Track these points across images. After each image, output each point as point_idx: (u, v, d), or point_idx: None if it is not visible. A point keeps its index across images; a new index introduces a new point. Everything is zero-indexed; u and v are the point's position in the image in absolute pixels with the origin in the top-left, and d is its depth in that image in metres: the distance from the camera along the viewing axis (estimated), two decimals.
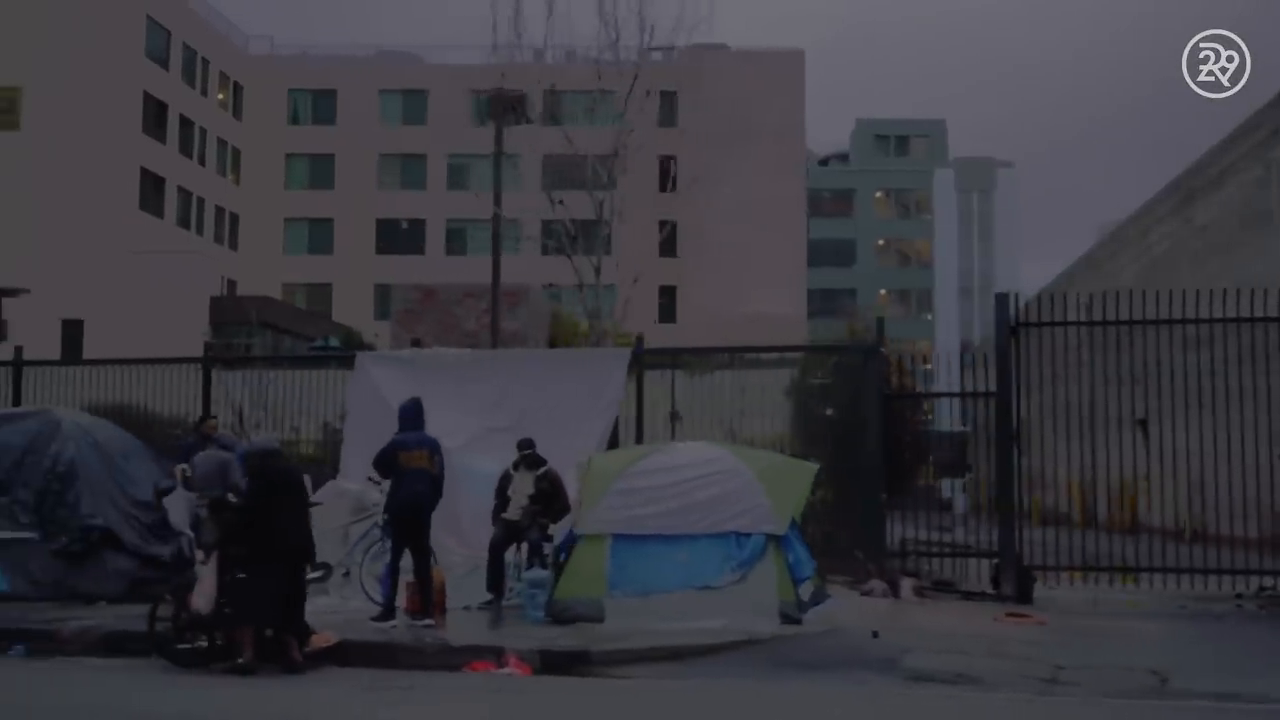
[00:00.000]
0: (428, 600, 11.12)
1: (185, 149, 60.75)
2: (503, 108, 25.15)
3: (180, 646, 9.59)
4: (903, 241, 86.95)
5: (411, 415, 11.70)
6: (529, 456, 12.67)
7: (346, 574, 12.56)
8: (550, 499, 12.53)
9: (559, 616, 11.17)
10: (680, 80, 68.23)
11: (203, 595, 9.31)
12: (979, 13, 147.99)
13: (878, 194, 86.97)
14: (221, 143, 64.83)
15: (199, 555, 9.84)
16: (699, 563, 11.18)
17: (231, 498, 9.92)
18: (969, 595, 13.84)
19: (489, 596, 12.27)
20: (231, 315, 59.03)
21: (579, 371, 14.30)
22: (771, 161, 65.76)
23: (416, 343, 16.66)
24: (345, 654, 9.92)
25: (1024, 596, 13.54)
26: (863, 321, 29.40)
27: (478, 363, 14.76)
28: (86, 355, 41.35)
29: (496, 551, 12.33)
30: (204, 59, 62.71)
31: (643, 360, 14.51)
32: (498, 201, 24.94)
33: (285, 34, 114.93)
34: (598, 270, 20.95)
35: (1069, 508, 21.99)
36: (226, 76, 65.43)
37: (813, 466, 11.83)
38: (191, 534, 9.87)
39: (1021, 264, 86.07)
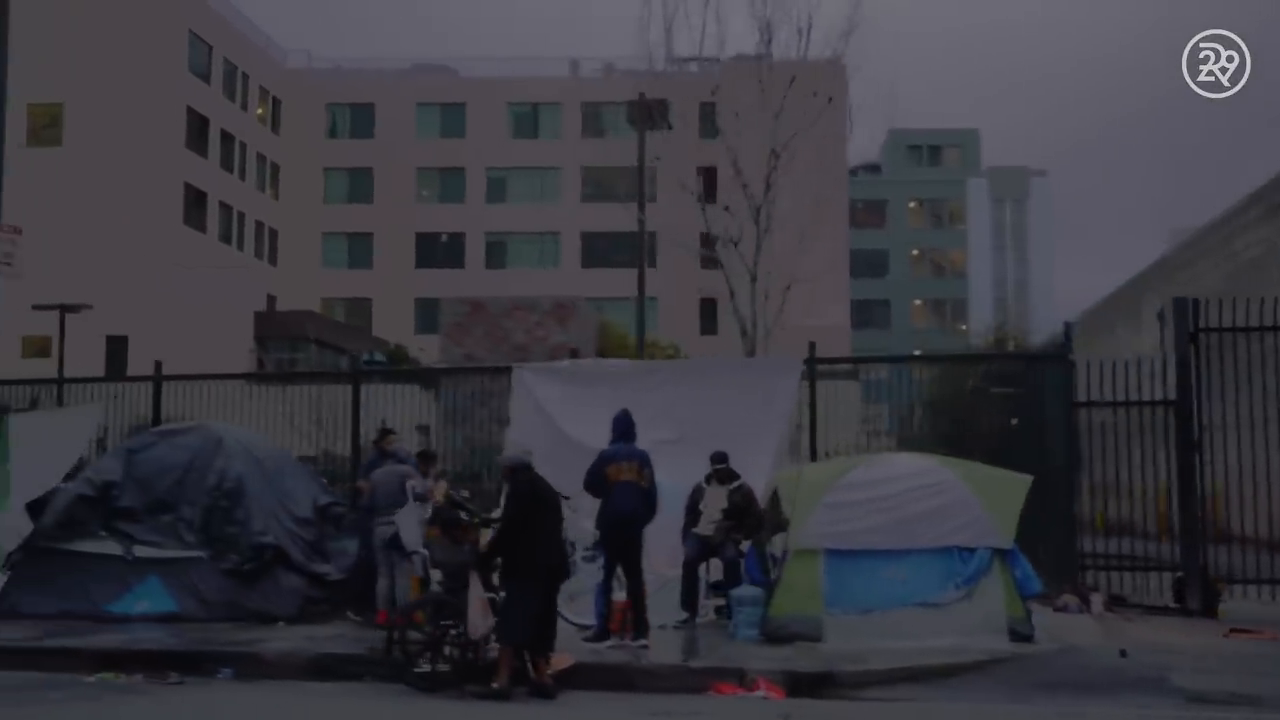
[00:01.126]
0: (641, 620, 10.73)
1: (226, 164, 60.59)
2: (645, 115, 24.59)
3: (419, 670, 9.19)
4: (936, 251, 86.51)
5: (622, 427, 11.31)
6: (721, 471, 12.28)
7: None
8: (744, 513, 12.14)
9: (775, 635, 10.77)
10: (722, 92, 68.05)
11: (476, 617, 8.90)
12: (1008, 22, 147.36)
13: (911, 204, 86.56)
14: (260, 157, 64.66)
15: (434, 575, 9.44)
16: (919, 579, 10.78)
17: (464, 515, 9.53)
18: (1151, 610, 13.41)
19: (682, 615, 11.87)
20: (276, 330, 58.86)
21: (748, 380, 13.91)
22: (816, 172, 65.34)
23: (574, 354, 16.29)
24: (578, 676, 9.54)
25: (1209, 610, 13.11)
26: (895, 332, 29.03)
27: (641, 373, 14.38)
28: (131, 372, 41.14)
29: (691, 568, 11.94)
30: (244, 73, 62.60)
31: (814, 368, 14.12)
32: (642, 208, 24.44)
33: (322, 47, 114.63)
34: (753, 278, 20.41)
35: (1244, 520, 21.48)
36: (265, 91, 65.31)
37: (1026, 478, 11.41)
38: (425, 552, 9.47)
39: (1056, 272, 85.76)
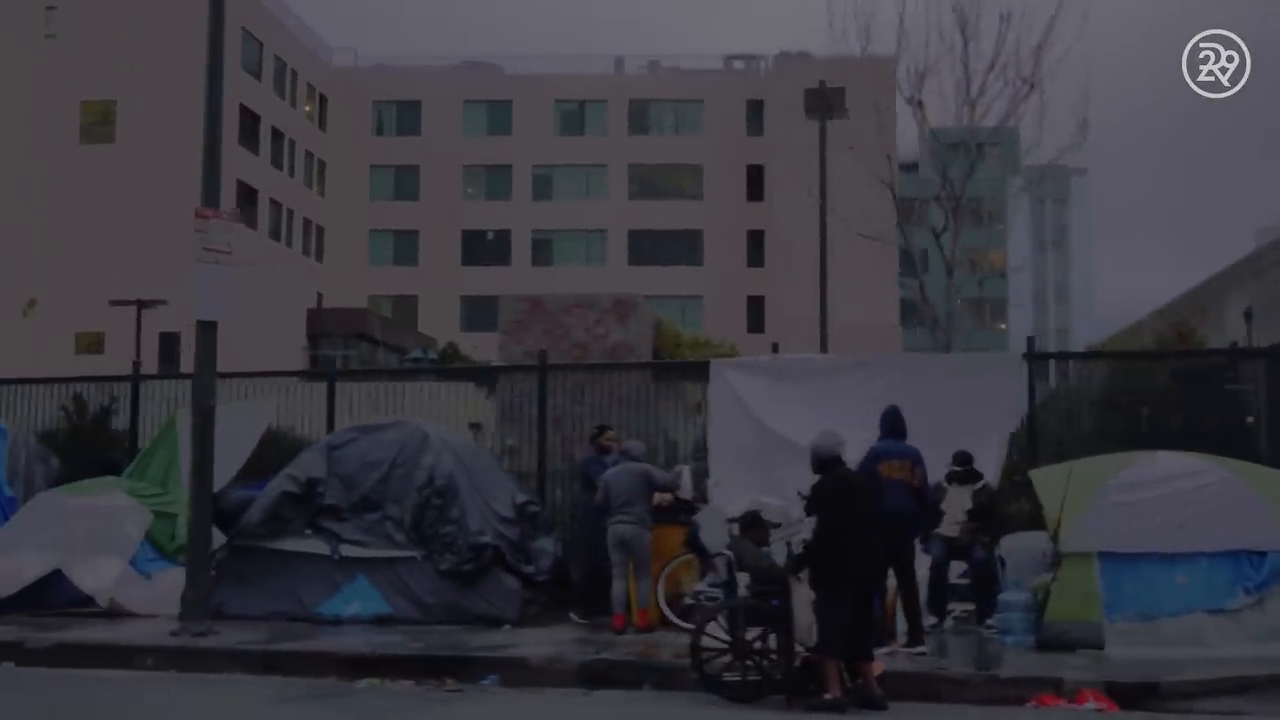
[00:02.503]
0: (917, 625, 10.26)
1: (276, 161, 60.23)
2: (823, 104, 24.07)
3: (730, 679, 8.71)
4: (975, 250, 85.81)
5: (891, 423, 10.83)
6: (964, 471, 11.80)
7: None
8: (989, 514, 11.67)
9: (1052, 641, 10.29)
10: (768, 89, 67.54)
11: (803, 623, 8.42)
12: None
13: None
14: (308, 155, 64.30)
15: (741, 578, 8.97)
16: (1202, 583, 10.29)
17: (765, 515, 9.06)
18: None
19: (932, 619, 11.40)
20: (329, 327, 58.48)
21: (966, 376, 13.42)
22: (863, 169, 64.84)
23: (775, 348, 15.81)
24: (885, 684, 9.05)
25: None
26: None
27: (849, 368, 13.89)
28: (184, 369, 40.76)
29: (940, 570, 11.45)
30: (293, 71, 62.25)
31: (1033, 364, 13.63)
32: (823, 195, 23.86)
33: (368, 45, 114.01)
34: (950, 270, 19.83)
35: None
36: (313, 88, 64.95)
37: None
38: (731, 555, 9.02)
39: (1097, 271, 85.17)
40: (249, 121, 56.70)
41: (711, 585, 10.60)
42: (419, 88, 67.31)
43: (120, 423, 17.25)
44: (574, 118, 68.06)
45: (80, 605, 12.73)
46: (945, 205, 19.85)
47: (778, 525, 9.32)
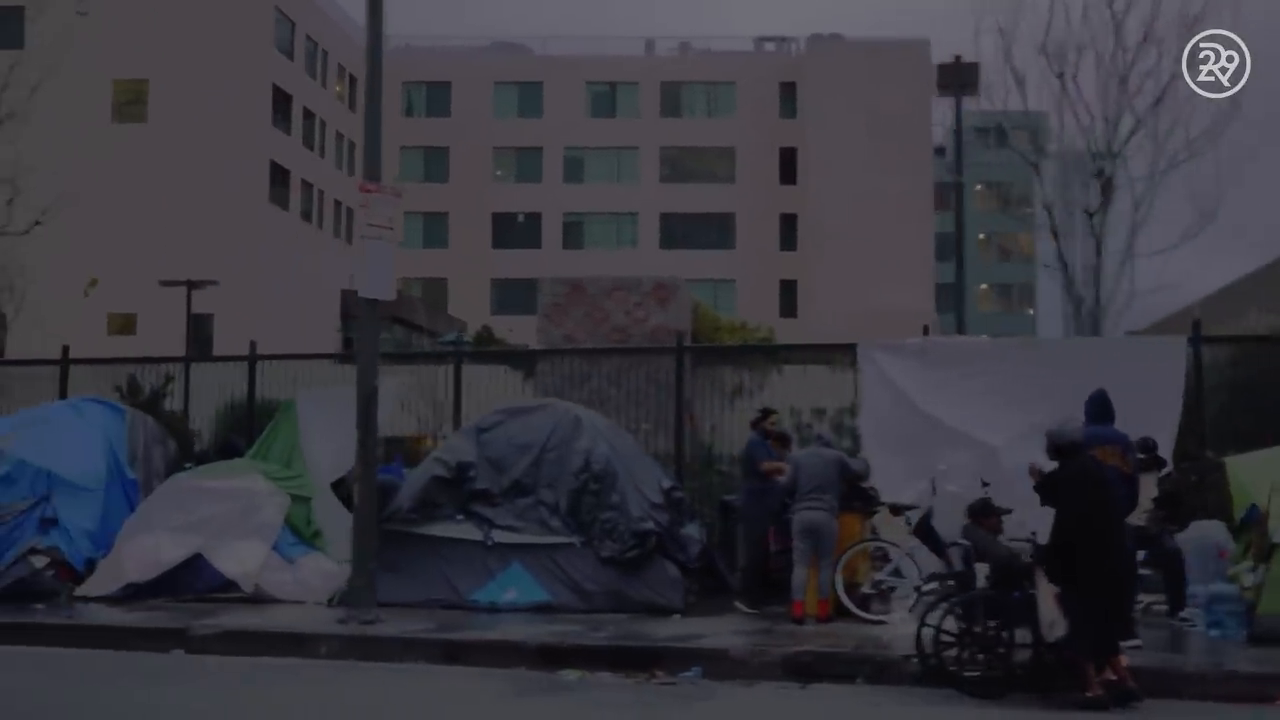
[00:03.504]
0: (1129, 619, 9.85)
1: (308, 141, 59.69)
2: (958, 81, 23.59)
3: (971, 674, 8.34)
4: (1004, 235, 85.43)
5: (1100, 408, 10.41)
6: (1149, 458, 11.40)
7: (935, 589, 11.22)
8: (1176, 502, 11.28)
9: (1266, 635, 9.90)
10: (801, 71, 67.01)
11: (1047, 618, 8.03)
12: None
13: (978, 187, 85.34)
14: (339, 135, 63.73)
15: (975, 569, 8.58)
16: None
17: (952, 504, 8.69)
18: None
19: None
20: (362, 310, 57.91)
21: (1128, 361, 13.01)
22: (897, 153, 64.43)
23: (926, 330, 15.41)
24: None
25: None
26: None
27: (1002, 352, 13.51)
28: (217, 351, 40.37)
29: (1130, 559, 11.05)
30: (324, 51, 61.65)
31: (1199, 348, 13.22)
32: (959, 170, 23.35)
33: (397, 25, 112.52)
34: (1099, 250, 19.33)
35: None
36: (343, 68, 64.33)
37: None
38: (966, 543, 8.63)
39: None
40: (281, 101, 56.17)
41: (935, 577, 10.22)
42: (449, 68, 66.76)
43: (174, 404, 17.07)
44: (605, 100, 67.52)
45: (221, 590, 12.39)
46: (1098, 182, 19.28)
47: (1009, 511, 8.94)
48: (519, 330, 46.98)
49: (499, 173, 67.13)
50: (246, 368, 16.09)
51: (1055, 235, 20.52)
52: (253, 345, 16.48)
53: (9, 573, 12.69)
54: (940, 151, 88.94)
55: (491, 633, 10.42)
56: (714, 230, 67.05)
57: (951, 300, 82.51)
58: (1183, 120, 19.98)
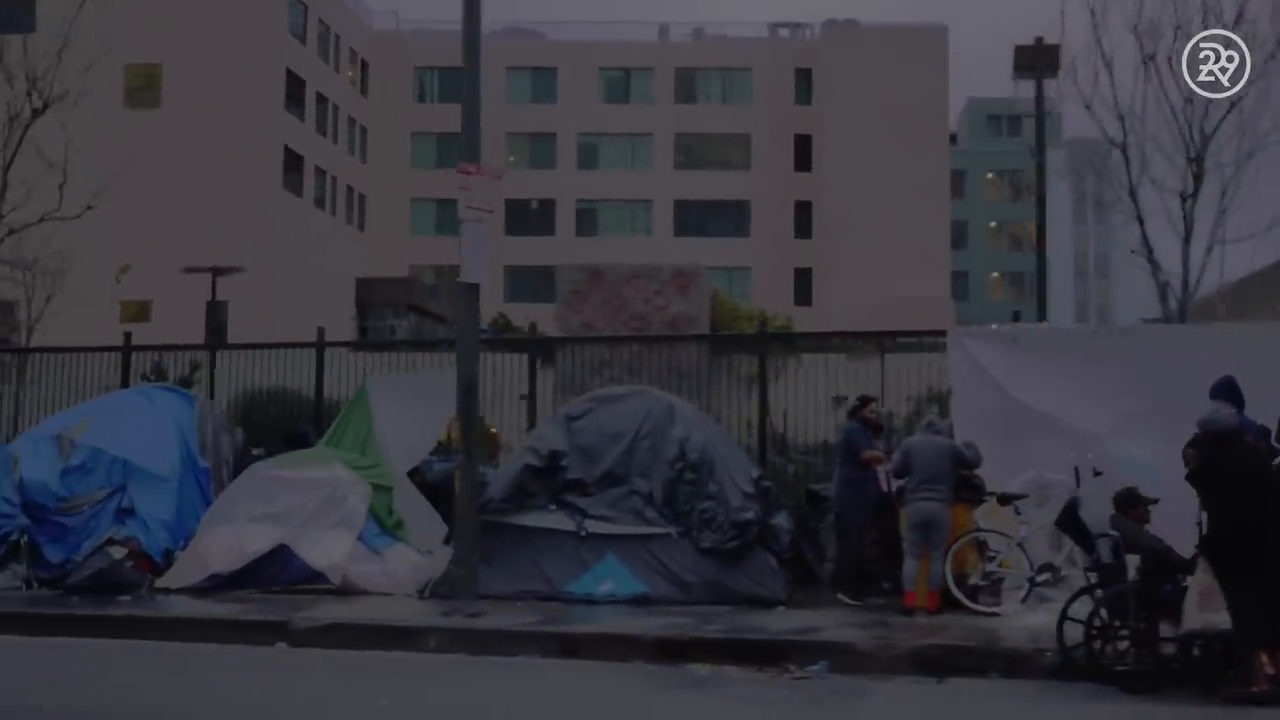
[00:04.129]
0: None
1: (320, 128, 59.31)
2: (1039, 62, 23.25)
3: (1123, 668, 8.11)
4: (1014, 224, 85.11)
5: (1230, 394, 10.14)
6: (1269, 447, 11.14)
7: (1047, 580, 10.99)
8: None
9: None
10: (817, 58, 66.64)
11: (1192, 610, 7.82)
12: None
13: (989, 175, 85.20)
14: (351, 121, 63.36)
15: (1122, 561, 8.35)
16: None
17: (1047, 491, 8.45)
18: None
19: None
20: (376, 297, 57.79)
21: (1230, 348, 12.75)
22: (913, 140, 64.06)
23: (1017, 316, 15.17)
24: None
25: None
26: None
27: (1097, 339, 13.25)
28: (231, 340, 40.03)
29: None
30: (336, 35, 61.22)
31: None
32: (1042, 151, 23.00)
33: (409, 9, 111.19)
34: (1187, 235, 18.99)
35: None
36: (354, 53, 63.94)
37: None
38: (1115, 534, 8.40)
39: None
40: (295, 87, 55.77)
41: (1047, 568, 10.01)
42: (461, 53, 66.23)
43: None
44: (619, 85, 67.11)
45: (307, 582, 12.14)
46: (1189, 168, 18.95)
47: (1155, 501, 8.71)
48: (538, 318, 46.70)
49: (512, 159, 66.66)
50: (315, 354, 15.76)
51: (1141, 221, 20.12)
52: (321, 331, 16.23)
53: (87, 563, 12.45)
54: (954, 139, 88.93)
55: (603, 625, 10.19)
56: (729, 217, 66.70)
57: (957, 289, 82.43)
58: (1274, 101, 19.60)
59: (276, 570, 12.22)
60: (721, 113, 67.00)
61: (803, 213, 66.56)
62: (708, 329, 29.80)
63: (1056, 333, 13.69)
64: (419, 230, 66.11)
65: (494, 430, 16.05)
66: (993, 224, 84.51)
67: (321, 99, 59.23)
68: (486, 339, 20.44)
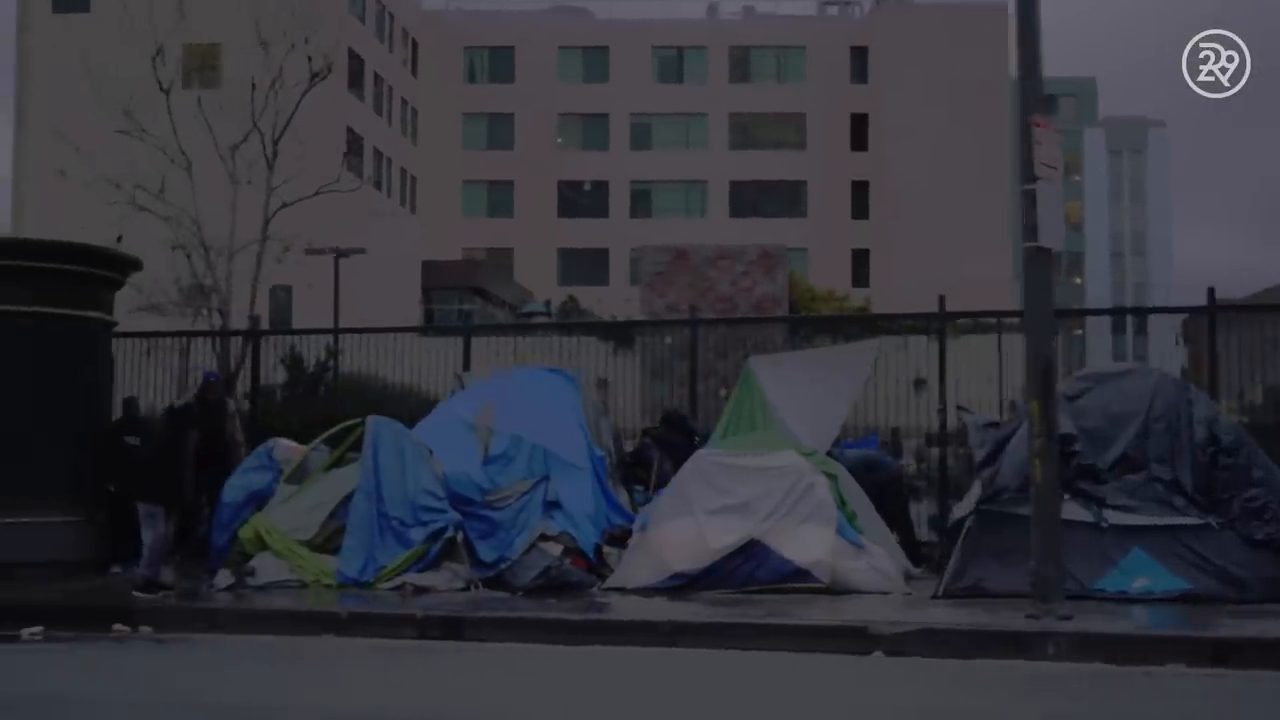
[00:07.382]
0: None
1: (377, 108, 57.78)
2: None
3: None
4: None
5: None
6: None
7: None
8: None
9: None
10: (872, 35, 65.67)
11: None
12: None
13: None
14: (403, 102, 61.81)
15: None
16: None
17: None
18: None
19: None
20: (441, 280, 56.33)
21: None
22: (972, 119, 63.24)
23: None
24: None
25: None
26: None
27: None
28: (296, 324, 38.61)
29: None
30: (389, 14, 59.65)
31: None
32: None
33: None
34: None
35: None
36: (405, 32, 62.38)
37: None
38: None
39: (1175, 225, 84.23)
40: (356, 66, 54.21)
41: None
42: (512, 32, 64.91)
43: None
44: (672, 65, 65.89)
45: (787, 580, 11.00)
46: None
47: None
48: (606, 300, 45.47)
49: (563, 140, 65.43)
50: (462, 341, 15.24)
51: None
52: (468, 315, 15.29)
53: (528, 561, 11.29)
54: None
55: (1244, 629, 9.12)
56: (784, 198, 65.66)
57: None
58: None
59: (752, 568, 11.09)
60: (776, 92, 65.90)
61: (859, 193, 65.62)
62: (788, 311, 28.64)
63: None
64: (471, 212, 64.73)
65: None
66: None
67: (378, 79, 57.70)
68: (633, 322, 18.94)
